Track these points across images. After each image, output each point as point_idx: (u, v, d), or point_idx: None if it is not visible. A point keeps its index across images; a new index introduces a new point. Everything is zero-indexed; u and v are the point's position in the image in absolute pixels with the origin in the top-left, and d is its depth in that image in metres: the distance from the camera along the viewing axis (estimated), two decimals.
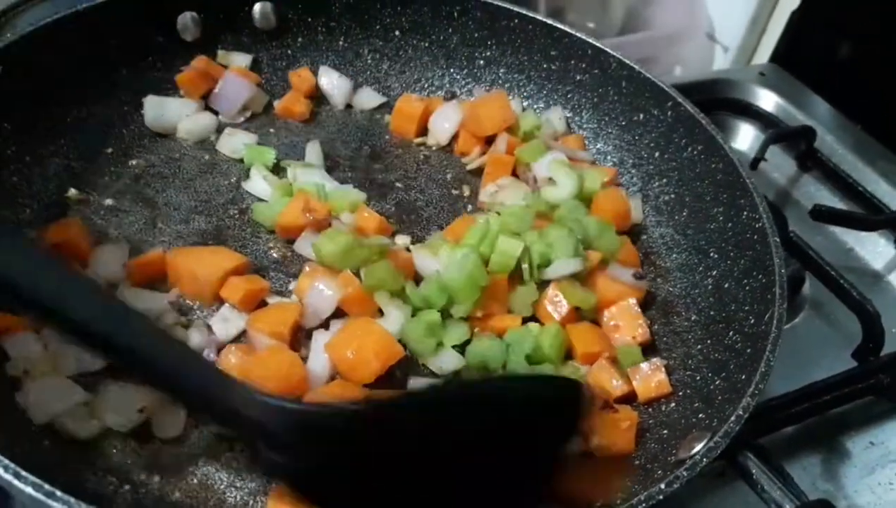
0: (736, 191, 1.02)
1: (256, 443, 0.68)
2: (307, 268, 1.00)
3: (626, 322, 1.00)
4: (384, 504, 0.67)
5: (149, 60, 1.17)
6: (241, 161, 1.15)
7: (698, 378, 0.93)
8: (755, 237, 0.97)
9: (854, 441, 1.06)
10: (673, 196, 1.14)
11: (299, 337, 0.94)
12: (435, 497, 0.68)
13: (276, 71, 1.27)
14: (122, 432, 0.82)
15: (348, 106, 1.29)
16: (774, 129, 1.45)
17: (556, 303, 0.99)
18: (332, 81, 1.27)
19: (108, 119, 1.13)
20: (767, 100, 1.56)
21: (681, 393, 0.93)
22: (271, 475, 0.76)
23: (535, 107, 1.29)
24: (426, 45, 1.29)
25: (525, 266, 1.00)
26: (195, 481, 0.81)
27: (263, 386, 0.84)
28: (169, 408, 0.84)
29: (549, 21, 1.22)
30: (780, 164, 1.48)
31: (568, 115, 1.27)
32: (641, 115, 1.17)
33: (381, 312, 0.97)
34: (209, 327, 0.93)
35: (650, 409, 0.93)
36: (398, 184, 1.17)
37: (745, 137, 1.54)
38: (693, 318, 1.02)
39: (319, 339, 0.93)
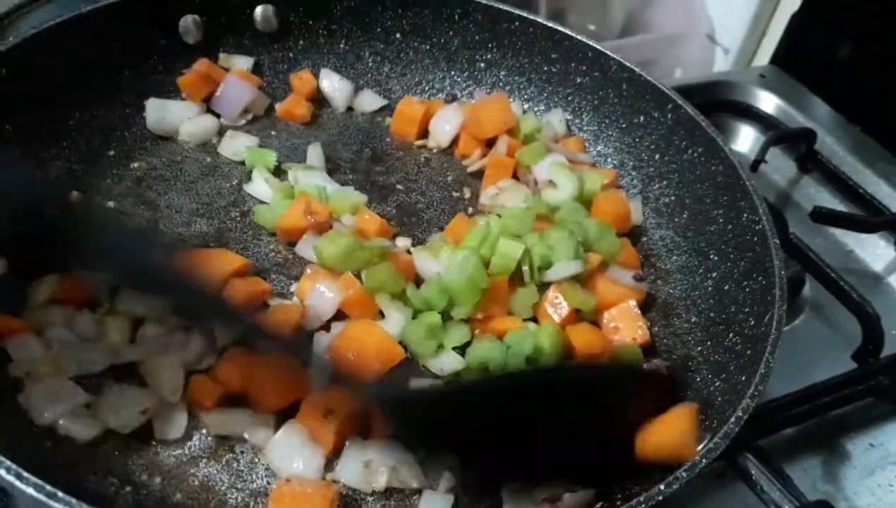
0: (736, 193, 1.02)
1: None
2: (308, 271, 1.00)
3: (626, 323, 1.00)
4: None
5: (151, 63, 1.18)
6: (243, 163, 1.16)
7: (698, 379, 0.93)
8: (755, 239, 0.97)
9: (854, 443, 1.06)
10: (673, 198, 1.14)
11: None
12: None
13: (278, 74, 1.28)
14: (124, 434, 0.82)
15: (349, 108, 1.29)
16: (775, 131, 1.45)
17: (557, 305, 0.99)
18: (333, 84, 1.28)
19: (110, 122, 1.13)
20: (768, 102, 1.56)
21: (681, 394, 0.93)
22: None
23: (536, 109, 1.29)
24: (427, 47, 1.29)
25: (525, 268, 1.00)
26: (196, 482, 0.81)
27: (265, 388, 0.85)
28: (170, 411, 0.85)
29: (550, 24, 1.22)
30: (780, 166, 1.48)
31: (568, 118, 1.27)
32: (642, 118, 1.18)
33: (381, 314, 0.97)
34: (211, 329, 0.93)
35: None
36: (399, 187, 1.18)
37: (746, 139, 1.54)
38: (693, 320, 1.02)
39: (321, 341, 0.93)
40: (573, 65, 1.22)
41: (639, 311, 1.01)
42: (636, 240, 1.14)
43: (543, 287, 1.01)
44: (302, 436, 0.84)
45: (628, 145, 1.21)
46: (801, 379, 1.03)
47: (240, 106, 1.21)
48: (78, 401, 0.83)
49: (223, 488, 0.81)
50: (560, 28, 1.22)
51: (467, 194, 1.18)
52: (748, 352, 0.87)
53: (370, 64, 1.30)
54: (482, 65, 1.30)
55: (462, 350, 0.96)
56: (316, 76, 1.28)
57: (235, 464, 0.83)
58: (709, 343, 0.97)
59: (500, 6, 1.24)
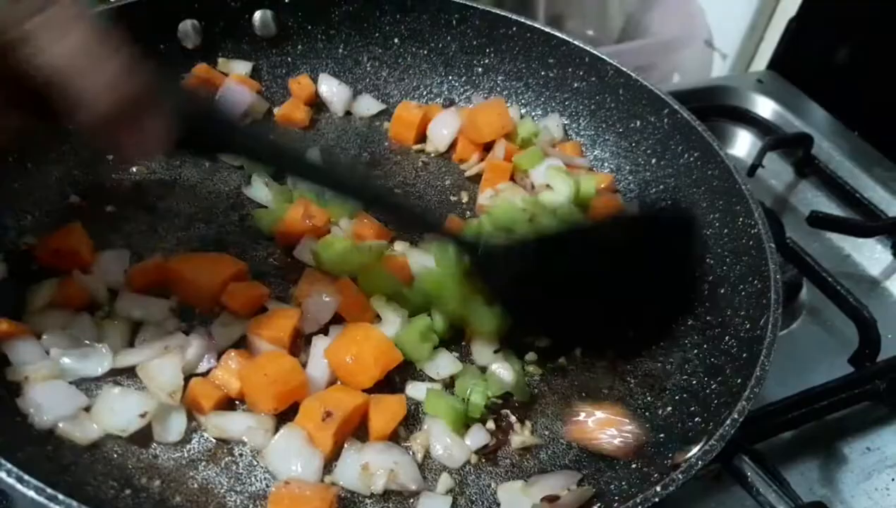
0: (732, 197, 1.03)
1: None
2: (306, 274, 1.01)
3: None
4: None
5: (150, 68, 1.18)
6: (241, 167, 1.16)
7: (694, 382, 0.94)
8: (751, 243, 0.97)
9: (851, 447, 1.06)
10: (670, 202, 1.15)
11: (299, 343, 0.95)
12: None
13: (276, 78, 1.29)
14: (123, 437, 0.82)
15: (347, 113, 1.30)
16: (772, 136, 1.46)
17: None
18: (331, 89, 1.28)
19: None
20: (765, 107, 1.57)
21: (677, 397, 0.94)
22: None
23: (533, 114, 1.30)
24: (425, 52, 1.30)
25: None
26: (195, 485, 0.81)
27: (263, 391, 0.86)
28: (170, 414, 0.85)
29: (547, 29, 1.23)
30: (777, 171, 1.49)
31: (565, 122, 1.28)
32: (638, 122, 1.18)
33: (379, 318, 0.98)
34: (209, 332, 0.93)
35: (647, 413, 0.94)
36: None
37: (743, 144, 1.55)
38: (689, 323, 1.02)
39: (319, 345, 0.93)
40: (570, 70, 1.23)
41: None
42: None
43: None
44: (300, 439, 0.84)
45: (625, 150, 1.22)
46: (798, 383, 1.04)
47: (239, 110, 1.22)
48: (77, 405, 0.83)
49: (222, 490, 0.81)
50: (557, 33, 1.23)
51: (465, 198, 1.19)
52: (744, 355, 0.88)
53: (368, 69, 1.31)
54: (480, 70, 1.30)
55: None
56: (314, 81, 1.28)
57: (234, 467, 0.84)
58: (705, 346, 0.98)
59: (498, 11, 1.25)
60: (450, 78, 1.31)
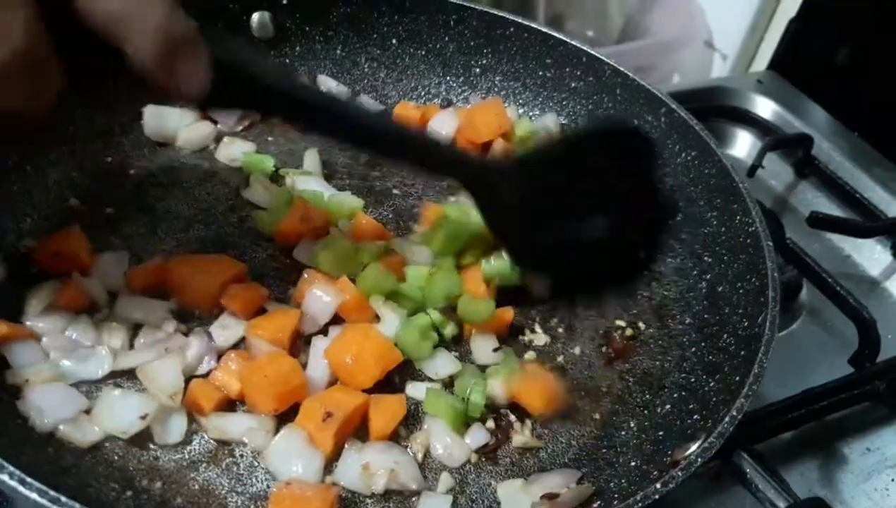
0: (729, 195, 1.03)
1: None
2: (306, 275, 1.01)
3: None
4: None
5: None
6: (240, 169, 1.16)
7: (693, 380, 0.94)
8: (748, 241, 0.98)
9: (851, 447, 1.06)
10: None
11: (298, 344, 0.95)
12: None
13: None
14: (124, 439, 0.83)
15: None
16: (772, 137, 1.46)
17: None
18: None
19: (108, 129, 1.14)
20: (765, 107, 1.57)
21: (676, 395, 0.94)
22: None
23: (531, 114, 1.30)
24: (423, 53, 1.30)
25: None
26: (196, 487, 0.82)
27: (263, 392, 0.86)
28: (170, 415, 0.85)
29: (545, 29, 1.23)
30: (777, 172, 1.49)
31: (563, 122, 1.28)
32: (636, 122, 1.18)
33: (378, 318, 0.98)
34: (209, 334, 0.93)
35: (646, 411, 0.94)
36: (395, 191, 1.19)
37: (743, 144, 1.55)
38: (688, 321, 1.03)
39: (318, 345, 0.93)
40: (568, 70, 1.23)
41: None
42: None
43: None
44: (301, 440, 0.84)
45: None
46: (798, 384, 1.04)
47: (237, 112, 1.22)
48: (78, 407, 0.83)
49: (223, 492, 0.82)
50: (554, 33, 1.23)
51: (463, 199, 1.19)
52: (742, 353, 0.88)
53: (366, 70, 1.31)
54: (477, 70, 1.31)
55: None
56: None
57: (235, 468, 0.84)
58: (703, 344, 0.98)
59: (495, 12, 1.25)
60: (447, 78, 1.32)
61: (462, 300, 0.99)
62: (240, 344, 0.94)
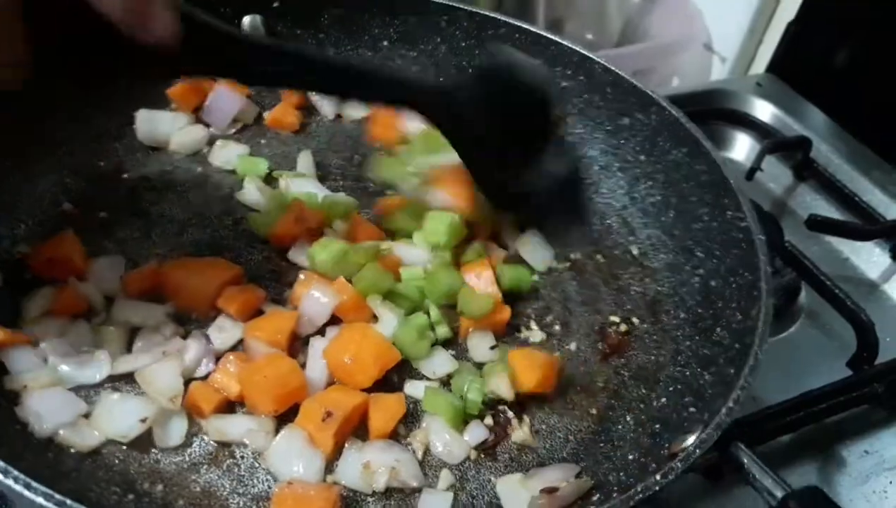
0: (720, 191, 1.04)
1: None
2: (302, 276, 1.01)
3: None
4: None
5: (141, 74, 1.18)
6: (234, 172, 1.17)
7: (688, 373, 0.95)
8: (740, 236, 0.99)
9: (849, 450, 1.07)
10: (659, 198, 1.16)
11: (296, 345, 0.95)
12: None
13: None
14: (124, 442, 0.83)
15: (338, 116, 1.30)
16: (771, 139, 1.46)
17: None
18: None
19: (100, 133, 1.14)
20: (764, 110, 1.57)
21: (671, 388, 0.95)
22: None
23: None
24: (414, 54, 1.31)
25: None
26: (198, 489, 0.82)
27: (263, 393, 0.86)
28: (170, 418, 0.85)
29: (535, 29, 1.24)
30: (776, 174, 1.49)
31: None
32: (627, 120, 1.19)
33: (375, 318, 0.99)
34: (207, 337, 0.93)
35: (642, 405, 0.95)
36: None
37: (742, 147, 1.56)
38: (681, 316, 1.04)
39: (317, 346, 0.94)
40: (559, 69, 1.24)
41: None
42: (623, 239, 1.17)
43: None
44: (301, 440, 0.85)
45: (613, 147, 1.23)
46: (797, 387, 1.04)
47: (229, 115, 1.22)
48: (77, 412, 0.83)
49: (225, 493, 0.82)
50: (545, 33, 1.24)
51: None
52: (736, 346, 0.89)
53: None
54: (470, 71, 1.31)
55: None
56: None
57: (236, 469, 0.84)
58: (697, 338, 0.99)
59: (486, 13, 1.25)
60: (440, 79, 1.32)
61: (462, 294, 0.99)
62: (237, 346, 0.94)
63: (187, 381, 0.88)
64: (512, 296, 1.05)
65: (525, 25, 1.25)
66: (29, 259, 0.96)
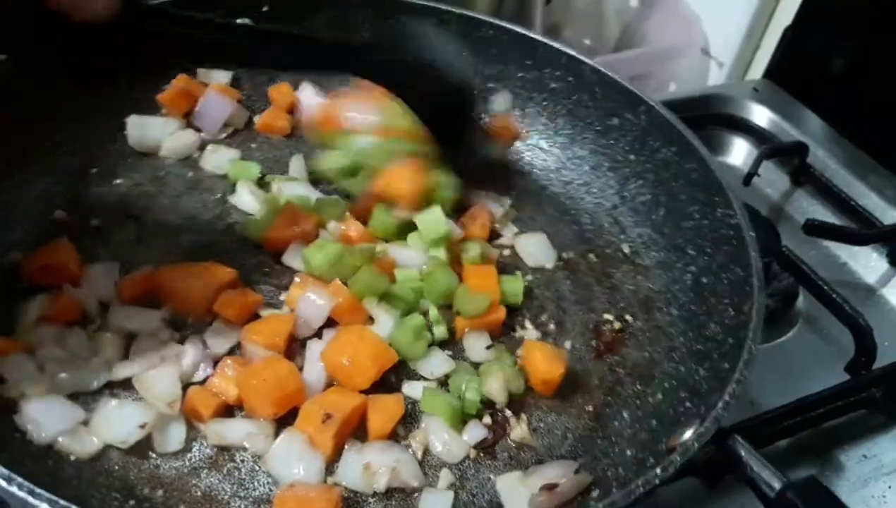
0: (710, 189, 1.05)
1: None
2: (298, 279, 1.01)
3: None
4: None
5: (131, 80, 1.18)
6: (225, 177, 1.17)
7: (682, 369, 0.96)
8: (731, 232, 1.00)
9: (847, 455, 1.07)
10: (649, 196, 1.17)
11: (293, 348, 0.95)
12: None
13: (256, 87, 1.29)
14: (123, 448, 0.83)
15: None
16: (768, 145, 1.47)
17: None
18: (311, 96, 1.29)
19: (92, 139, 1.14)
20: (761, 115, 1.58)
21: (666, 385, 0.96)
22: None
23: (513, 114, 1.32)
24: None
25: None
26: (199, 493, 0.82)
27: (262, 397, 0.86)
28: (169, 423, 0.85)
29: (523, 31, 1.25)
30: (773, 179, 1.50)
31: (544, 122, 1.29)
32: (616, 120, 1.21)
33: (372, 320, 0.99)
34: (204, 341, 0.93)
35: (638, 401, 0.96)
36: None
37: (739, 152, 1.57)
38: (674, 313, 1.05)
39: (314, 348, 0.94)
40: (547, 70, 1.25)
41: None
42: (615, 238, 1.18)
43: None
44: (301, 442, 0.85)
45: (603, 147, 1.24)
46: (795, 391, 1.05)
47: (220, 120, 1.22)
48: (75, 419, 0.83)
49: (226, 497, 0.82)
50: (533, 35, 1.25)
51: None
52: (730, 341, 0.90)
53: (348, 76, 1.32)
54: None
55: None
56: (295, 89, 1.29)
57: (237, 473, 0.84)
58: (690, 334, 1.00)
59: (474, 14, 1.26)
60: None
61: (458, 294, 1.00)
62: (234, 351, 0.94)
63: (185, 386, 0.88)
64: None
65: (513, 27, 1.26)
66: (22, 266, 0.96)
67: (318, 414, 0.86)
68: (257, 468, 0.85)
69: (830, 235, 1.35)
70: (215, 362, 0.92)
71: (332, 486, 0.83)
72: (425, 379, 0.96)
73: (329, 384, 0.92)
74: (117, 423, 0.83)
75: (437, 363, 0.97)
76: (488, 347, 1.00)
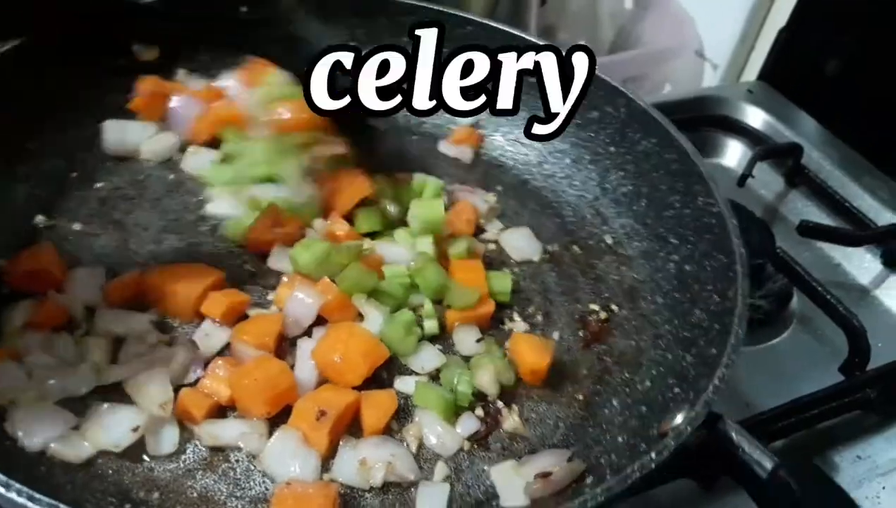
0: (691, 179, 1.07)
1: None
2: (285, 279, 1.01)
3: None
4: None
5: (107, 83, 1.17)
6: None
7: (669, 356, 0.97)
8: (713, 221, 1.01)
9: (842, 456, 1.07)
10: (630, 187, 1.19)
11: (284, 347, 0.95)
12: None
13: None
14: (116, 452, 0.82)
15: None
16: (762, 146, 1.47)
17: None
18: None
19: (70, 144, 1.12)
20: (755, 117, 1.59)
21: (654, 372, 0.97)
22: None
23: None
24: None
25: None
26: (195, 494, 0.81)
27: (254, 396, 0.86)
28: (161, 426, 0.85)
29: (502, 26, 1.25)
30: (767, 181, 1.51)
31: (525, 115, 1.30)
32: (596, 113, 1.22)
33: (361, 316, 0.99)
34: (193, 342, 0.93)
35: (627, 389, 0.97)
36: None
37: (734, 154, 1.57)
38: (659, 301, 1.06)
39: (304, 347, 0.94)
40: None
41: None
42: (597, 229, 1.19)
43: None
44: (296, 440, 0.85)
45: (584, 140, 1.25)
46: (789, 392, 1.05)
47: (192, 122, 1.21)
48: (66, 424, 0.82)
49: (222, 497, 0.82)
50: (511, 30, 1.25)
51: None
52: (716, 327, 0.92)
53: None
54: None
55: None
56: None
57: (232, 473, 0.84)
58: (676, 321, 1.01)
59: (453, 11, 1.27)
60: None
61: (449, 287, 1.01)
62: (224, 351, 0.94)
63: (177, 388, 0.88)
64: None
65: (491, 23, 1.26)
66: (5, 273, 0.95)
67: (311, 411, 0.86)
68: (252, 467, 0.85)
69: (824, 236, 1.35)
70: (206, 363, 0.91)
71: (329, 482, 0.83)
72: (417, 373, 0.97)
73: (320, 382, 0.92)
74: (109, 427, 0.83)
75: (428, 357, 0.98)
76: (478, 340, 1.01)
